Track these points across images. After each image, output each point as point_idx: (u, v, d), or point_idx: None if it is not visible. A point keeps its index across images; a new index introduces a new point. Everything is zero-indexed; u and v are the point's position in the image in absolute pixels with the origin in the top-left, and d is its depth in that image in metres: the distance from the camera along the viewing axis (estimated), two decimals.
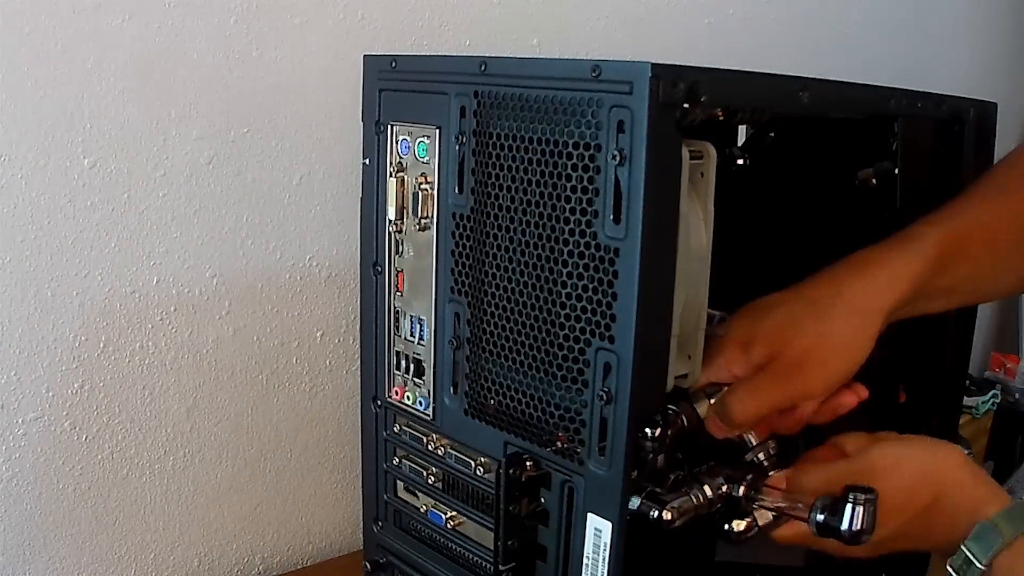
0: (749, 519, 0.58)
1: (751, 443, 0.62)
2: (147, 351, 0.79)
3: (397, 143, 0.65)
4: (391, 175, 0.65)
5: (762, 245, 0.74)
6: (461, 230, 0.60)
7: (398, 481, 0.71)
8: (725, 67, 0.53)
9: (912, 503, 0.58)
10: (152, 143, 0.75)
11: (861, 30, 1.38)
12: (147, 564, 0.83)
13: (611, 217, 0.51)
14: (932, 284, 0.63)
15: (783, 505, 0.57)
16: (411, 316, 0.66)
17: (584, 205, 0.52)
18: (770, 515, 0.58)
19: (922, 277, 0.62)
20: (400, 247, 0.66)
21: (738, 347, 0.61)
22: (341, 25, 0.83)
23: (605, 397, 0.53)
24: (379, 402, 0.71)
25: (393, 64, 0.65)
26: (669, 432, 0.56)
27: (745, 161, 0.73)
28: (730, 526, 0.58)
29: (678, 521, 0.55)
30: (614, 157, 0.50)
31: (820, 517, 0.54)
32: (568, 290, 0.54)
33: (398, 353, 0.68)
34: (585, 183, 0.52)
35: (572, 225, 0.53)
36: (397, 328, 0.68)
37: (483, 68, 0.57)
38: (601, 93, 0.51)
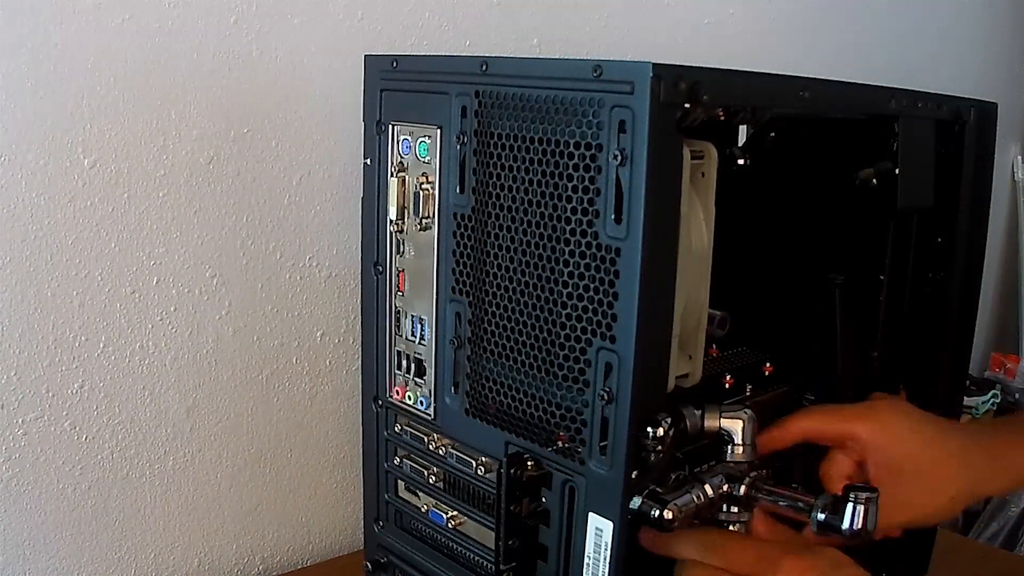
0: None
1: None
2: (147, 351, 0.79)
3: (398, 143, 0.65)
4: (392, 175, 0.65)
5: (762, 245, 0.74)
6: (462, 230, 0.60)
7: (399, 481, 0.72)
8: (725, 67, 0.53)
9: None
10: (152, 143, 0.75)
11: (861, 30, 1.39)
12: (147, 564, 0.83)
13: (612, 217, 0.51)
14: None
15: (784, 504, 0.57)
16: (412, 316, 0.66)
17: (585, 205, 0.52)
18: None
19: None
20: (401, 247, 0.66)
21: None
22: (341, 25, 0.83)
23: (606, 397, 0.53)
24: (380, 402, 0.71)
25: (394, 64, 0.65)
26: (671, 432, 0.55)
27: (746, 161, 0.73)
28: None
29: (679, 520, 0.55)
30: (615, 157, 0.50)
31: (821, 516, 0.54)
32: (569, 290, 0.54)
33: (399, 353, 0.68)
34: (586, 183, 0.52)
35: (573, 225, 0.53)
36: (398, 328, 0.68)
37: (484, 68, 0.57)
38: (602, 93, 0.51)
